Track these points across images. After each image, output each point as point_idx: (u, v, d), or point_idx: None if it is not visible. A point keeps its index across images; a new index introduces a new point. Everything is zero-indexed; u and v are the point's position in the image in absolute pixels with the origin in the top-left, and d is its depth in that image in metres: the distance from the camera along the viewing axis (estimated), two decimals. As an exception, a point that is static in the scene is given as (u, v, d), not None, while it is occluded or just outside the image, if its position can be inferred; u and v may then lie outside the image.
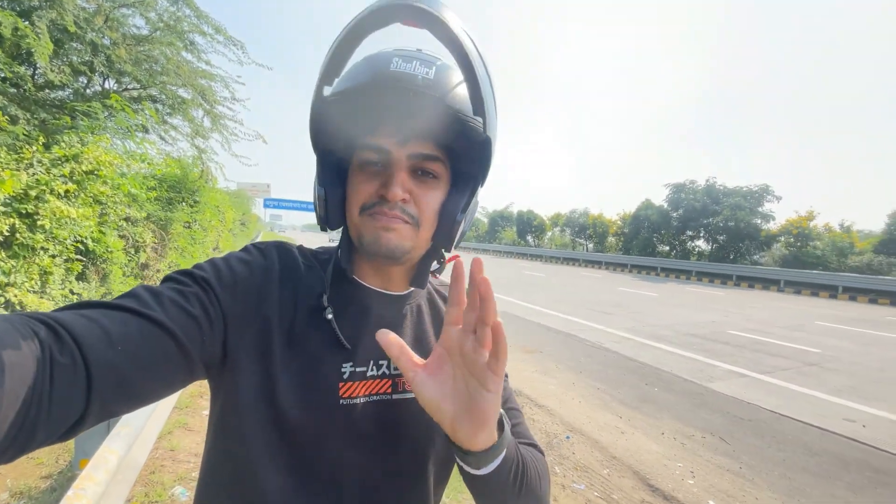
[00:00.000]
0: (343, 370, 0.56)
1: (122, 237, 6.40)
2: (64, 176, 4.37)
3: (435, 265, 0.65)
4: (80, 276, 5.37)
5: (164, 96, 8.25)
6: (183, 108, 8.38)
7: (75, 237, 4.69)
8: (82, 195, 4.72)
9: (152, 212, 7.76)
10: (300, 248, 0.64)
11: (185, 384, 0.49)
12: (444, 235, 0.59)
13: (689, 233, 23.34)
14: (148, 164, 6.09)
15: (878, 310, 12.66)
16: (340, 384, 0.55)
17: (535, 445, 0.64)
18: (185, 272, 0.53)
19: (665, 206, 24.30)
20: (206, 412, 3.34)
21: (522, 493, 0.54)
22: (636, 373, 5.16)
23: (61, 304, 4.82)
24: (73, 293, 5.06)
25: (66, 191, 4.36)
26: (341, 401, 0.55)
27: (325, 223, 0.59)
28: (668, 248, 24.44)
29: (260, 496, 0.52)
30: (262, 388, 0.52)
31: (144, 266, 8.16)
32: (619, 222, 28.36)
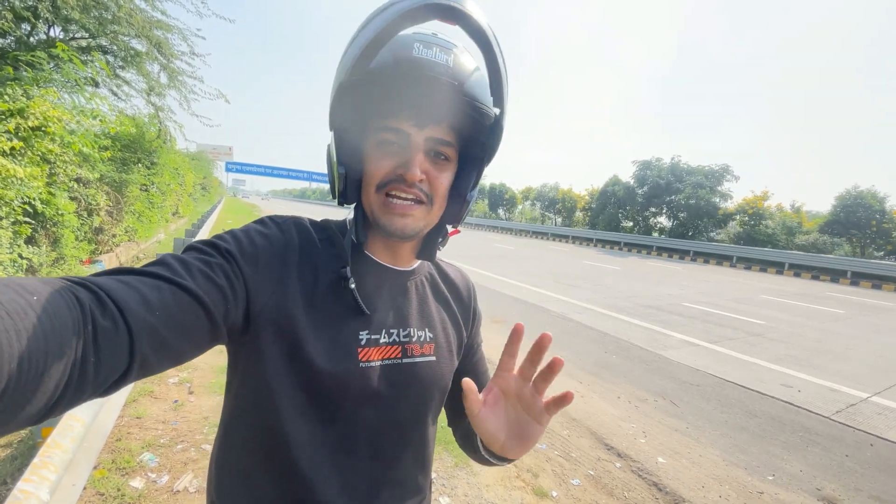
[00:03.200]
0: (360, 337, 0.61)
1: (73, 199, 6.04)
2: (8, 132, 4.05)
3: (439, 239, 0.69)
4: (30, 240, 5.07)
5: (115, 47, 7.67)
6: (136, 61, 7.82)
7: (23, 198, 4.40)
8: (29, 153, 4.40)
9: (106, 173, 7.32)
10: (311, 221, 0.67)
11: (210, 346, 0.52)
12: (454, 213, 0.65)
13: (653, 209, 24.10)
14: (100, 121, 5.67)
15: (820, 286, 13.63)
16: (359, 349, 0.60)
17: None
18: (208, 242, 0.55)
19: (632, 182, 24.90)
20: (173, 380, 3.28)
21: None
22: (597, 341, 5.41)
23: (10, 269, 4.52)
24: (21, 257, 4.78)
25: (12, 148, 4.05)
26: (360, 364, 0.60)
27: (343, 198, 0.62)
28: (632, 223, 25.20)
29: (285, 447, 0.57)
30: (290, 352, 0.56)
31: (99, 230, 7.76)
32: (587, 197, 28.90)
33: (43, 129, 4.51)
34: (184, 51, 8.41)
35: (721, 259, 18.51)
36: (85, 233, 7.10)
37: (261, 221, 0.62)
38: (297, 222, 0.64)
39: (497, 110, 0.60)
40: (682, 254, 19.85)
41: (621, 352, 5.07)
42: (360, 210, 0.64)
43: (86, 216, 6.93)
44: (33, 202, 4.72)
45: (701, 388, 4.15)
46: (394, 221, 0.59)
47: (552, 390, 0.54)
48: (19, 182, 4.25)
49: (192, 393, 3.08)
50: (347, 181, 0.60)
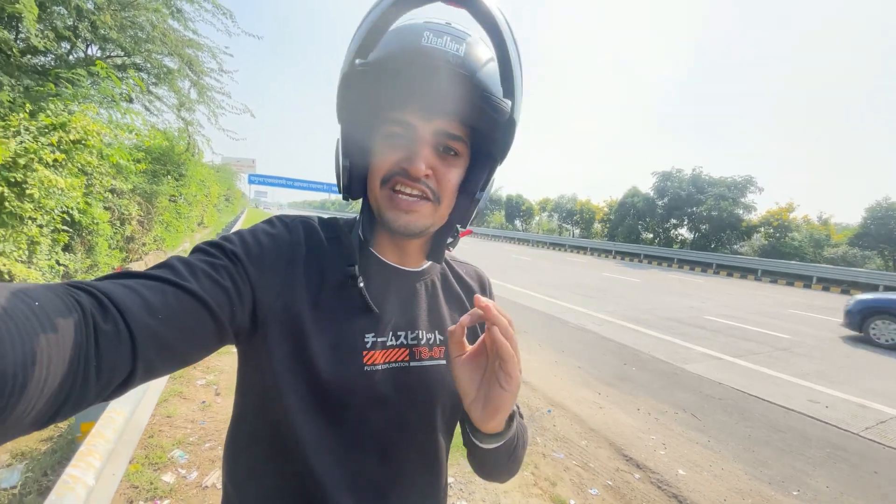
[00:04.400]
0: (366, 340, 0.60)
1: (107, 209, 6.33)
2: (52, 145, 4.30)
3: (449, 239, 0.67)
4: (66, 248, 5.33)
5: (148, 65, 8.04)
6: (169, 78, 8.18)
7: (62, 207, 4.65)
8: (69, 165, 4.66)
9: (138, 184, 7.65)
10: (320, 219, 0.66)
11: (217, 347, 0.52)
12: (462, 212, 0.62)
13: (674, 221, 23.73)
14: (136, 135, 5.96)
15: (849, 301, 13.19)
16: (364, 352, 0.59)
17: (519, 411, 0.70)
18: (214, 244, 0.54)
19: (651, 193, 24.59)
20: (201, 382, 3.41)
21: (509, 463, 0.65)
22: (615, 353, 5.36)
23: (48, 275, 4.76)
24: (59, 264, 5.03)
25: (55, 160, 4.30)
26: (365, 367, 0.59)
27: (348, 193, 0.60)
28: (652, 235, 24.84)
29: (294, 446, 0.57)
30: (295, 354, 0.55)
31: (130, 239, 8.08)
32: (605, 209, 28.64)
33: (83, 142, 4.77)
34: (213, 67, 8.78)
35: (745, 272, 18.06)
36: (117, 241, 7.41)
37: (268, 221, 0.62)
38: (304, 221, 0.64)
39: (509, 102, 0.56)
40: (705, 266, 19.44)
41: (640, 364, 5.02)
42: (366, 206, 0.63)
43: (118, 225, 7.24)
44: (71, 211, 4.98)
45: (723, 401, 4.08)
46: (399, 217, 0.57)
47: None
48: (60, 192, 4.49)
49: (219, 395, 3.19)
50: (352, 175, 0.59)
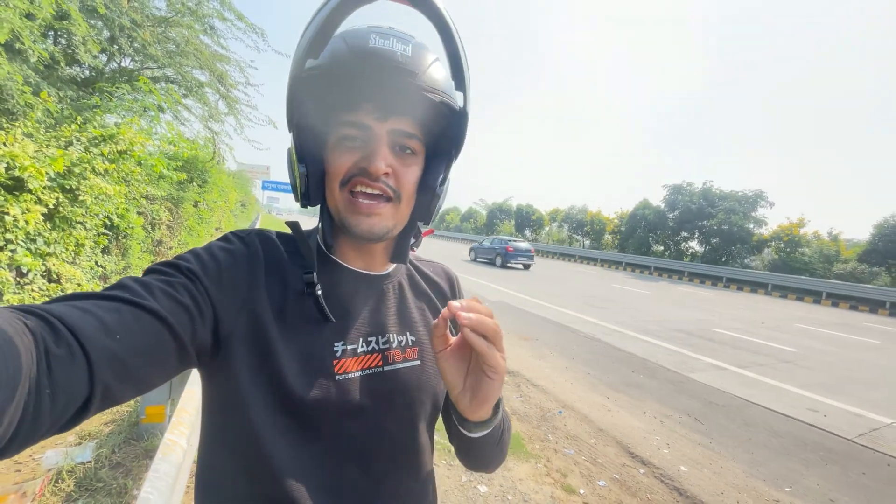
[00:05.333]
0: (336, 349, 0.59)
1: (140, 214, 6.72)
2: (102, 155, 4.68)
3: (412, 240, 0.68)
4: (104, 250, 5.71)
5: (179, 77, 8.48)
6: (199, 90, 8.62)
7: (105, 213, 5.02)
8: (114, 173, 5.04)
9: (169, 191, 8.06)
10: (278, 233, 0.65)
11: (178, 371, 0.50)
12: (424, 209, 0.62)
13: (684, 234, 23.81)
14: (175, 146, 6.36)
15: (857, 316, 13.19)
16: (334, 361, 0.58)
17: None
18: (168, 263, 0.53)
19: (662, 206, 24.72)
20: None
21: (496, 451, 0.67)
22: (624, 361, 5.58)
23: (88, 275, 5.14)
24: (98, 265, 5.40)
25: (105, 169, 4.67)
26: (337, 377, 0.58)
27: (307, 200, 0.59)
28: (662, 248, 24.92)
29: (268, 468, 0.54)
30: (262, 370, 0.54)
31: (159, 243, 8.48)
32: (616, 220, 28.77)
33: (129, 152, 5.16)
34: (240, 81, 9.23)
35: (756, 286, 18.09)
36: (147, 245, 7.81)
37: (224, 238, 0.60)
38: (260, 234, 0.62)
39: (460, 95, 0.59)
40: (715, 280, 19.49)
41: (648, 372, 5.23)
42: (325, 212, 0.62)
43: (150, 229, 7.64)
44: (111, 216, 5.35)
45: (726, 408, 4.29)
46: (360, 221, 0.57)
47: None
48: (107, 199, 4.87)
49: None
50: (309, 180, 0.57)
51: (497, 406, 0.60)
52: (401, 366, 0.64)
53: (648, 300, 11.76)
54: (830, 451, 3.55)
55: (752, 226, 20.89)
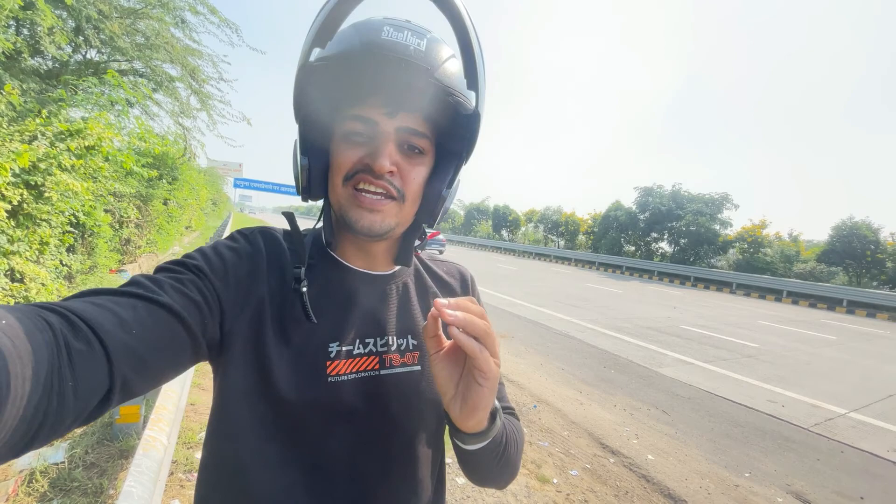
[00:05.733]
0: (330, 349, 0.57)
1: (107, 212, 6.51)
2: (69, 150, 4.53)
3: (416, 242, 0.65)
4: (70, 249, 5.52)
5: (149, 71, 8.24)
6: (170, 85, 8.40)
7: (71, 210, 4.85)
8: (81, 169, 4.88)
9: (138, 188, 7.83)
10: (284, 232, 0.64)
11: (191, 364, 0.51)
12: (429, 211, 0.60)
13: (654, 235, 24.52)
14: (144, 141, 6.19)
15: (816, 313, 13.90)
16: (328, 363, 0.56)
17: (513, 412, 0.71)
18: (176, 262, 0.54)
19: (633, 208, 25.39)
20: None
21: (500, 466, 0.60)
22: (596, 358, 5.76)
23: (53, 274, 4.98)
24: (63, 264, 5.22)
25: (72, 165, 4.53)
26: (329, 378, 0.56)
27: (307, 194, 0.58)
28: (634, 248, 25.59)
29: (255, 467, 0.55)
30: (256, 367, 0.54)
31: (127, 241, 8.24)
32: (589, 221, 29.37)
33: (97, 147, 5.01)
34: (213, 76, 9.03)
35: (721, 285, 18.81)
36: (115, 244, 7.57)
37: (230, 237, 0.60)
38: (264, 231, 0.62)
39: (473, 95, 0.56)
40: (683, 279, 20.17)
41: (619, 367, 5.41)
42: (327, 207, 0.61)
43: (117, 228, 7.41)
44: (77, 214, 5.18)
45: (692, 400, 4.49)
46: (362, 216, 0.55)
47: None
48: (73, 195, 4.72)
49: (233, 387, 3.46)
50: (312, 175, 0.57)
51: (494, 417, 0.55)
52: (399, 370, 0.61)
53: (620, 299, 12.09)
54: (788, 439, 3.77)
55: (718, 227, 21.69)
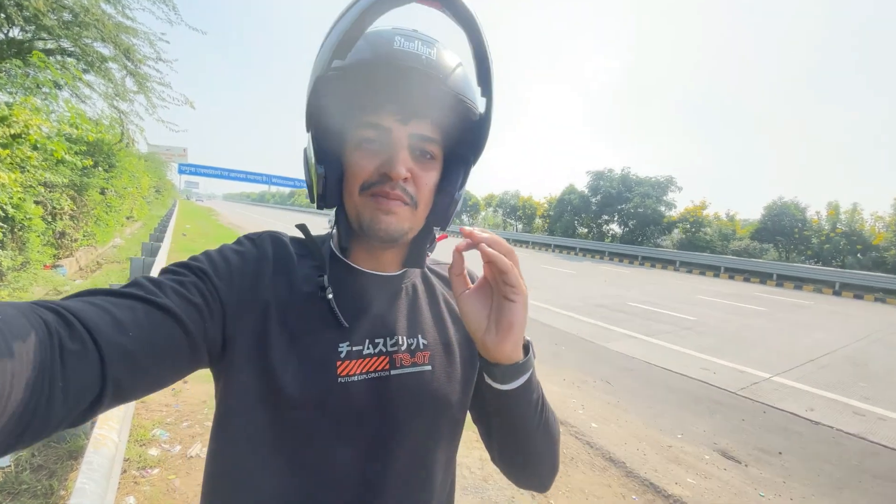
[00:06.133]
0: (340, 349, 0.57)
1: (38, 203, 6.09)
2: (-8, 139, 4.20)
3: (426, 244, 0.66)
4: (-1, 244, 5.14)
5: (78, 50, 7.65)
6: (103, 65, 7.83)
7: (-2, 203, 4.52)
8: (8, 159, 4.53)
9: (72, 177, 7.33)
10: (291, 237, 0.65)
11: (190, 370, 0.50)
12: (441, 214, 0.61)
13: (605, 217, 25.53)
14: (77, 128, 5.78)
15: (750, 287, 15.06)
16: (338, 363, 0.56)
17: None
18: (180, 264, 0.54)
19: (586, 191, 26.25)
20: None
21: (542, 422, 0.58)
22: (548, 335, 6.05)
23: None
24: (-11, 261, 4.88)
25: (-4, 155, 4.20)
26: (339, 379, 0.55)
27: (323, 202, 0.59)
28: (586, 230, 26.54)
29: (264, 471, 0.55)
30: (261, 370, 0.53)
31: (62, 235, 7.73)
32: (545, 205, 30.12)
33: (23, 135, 4.65)
34: (150, 56, 8.47)
35: (666, 263, 19.95)
36: (48, 238, 7.09)
37: (237, 241, 0.61)
38: (272, 236, 0.63)
39: (484, 101, 0.58)
40: (632, 258, 21.21)
41: (569, 344, 5.72)
42: (342, 214, 0.61)
43: (50, 220, 6.93)
44: (5, 207, 4.83)
45: (634, 371, 4.84)
46: (379, 219, 0.55)
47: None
48: (1, 188, 4.39)
49: (187, 382, 3.40)
50: (327, 182, 0.57)
51: (527, 350, 0.56)
52: (409, 370, 0.60)
53: (573, 279, 12.63)
54: (717, 402, 4.17)
55: (663, 209, 22.86)
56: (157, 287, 0.48)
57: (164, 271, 0.53)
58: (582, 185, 26.95)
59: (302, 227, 0.64)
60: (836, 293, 14.71)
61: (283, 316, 0.56)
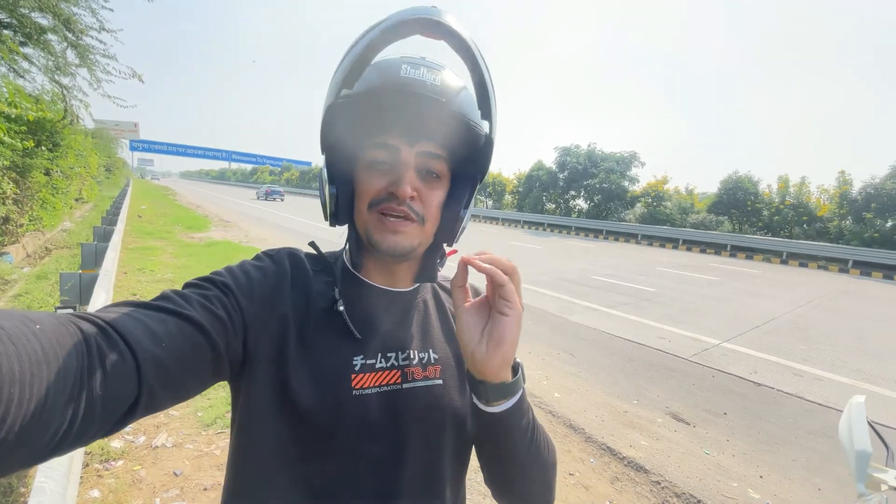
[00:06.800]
0: (354, 363, 0.59)
1: (-26, 187, 5.68)
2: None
3: (437, 260, 0.68)
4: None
5: (14, 21, 7.02)
6: (41, 37, 7.23)
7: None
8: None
9: (12, 158, 6.84)
10: (307, 253, 0.68)
11: (213, 382, 0.52)
12: (447, 231, 0.63)
13: (572, 192, 25.99)
14: (16, 106, 5.37)
15: (706, 258, 15.82)
16: (352, 376, 0.58)
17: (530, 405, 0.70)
18: (204, 278, 0.56)
19: (553, 167, 26.56)
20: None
21: (533, 448, 0.58)
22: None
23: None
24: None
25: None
26: (354, 392, 0.57)
27: (336, 220, 0.63)
28: (554, 206, 26.99)
29: (283, 484, 0.56)
30: (278, 383, 0.55)
31: (5, 220, 7.27)
32: (515, 181, 30.32)
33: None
34: (92, 26, 7.86)
35: (629, 237, 20.64)
36: (-11, 224, 6.65)
37: (256, 257, 0.63)
38: (290, 253, 0.65)
39: (486, 124, 0.61)
40: (597, 233, 21.82)
41: (536, 318, 5.91)
42: (353, 231, 0.64)
43: (-10, 205, 6.49)
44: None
45: (595, 342, 5.08)
46: (386, 238, 0.58)
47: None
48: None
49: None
50: (339, 202, 0.61)
51: (516, 370, 0.56)
52: (421, 384, 0.62)
53: (541, 254, 12.92)
54: (670, 369, 4.44)
55: (627, 184, 23.47)
56: (185, 300, 0.50)
57: (188, 285, 0.55)
58: (550, 160, 27.24)
59: (313, 244, 0.69)
60: (784, 262, 15.68)
61: (300, 330, 0.58)
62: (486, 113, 0.61)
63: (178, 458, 2.41)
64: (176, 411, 2.82)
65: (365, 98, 0.56)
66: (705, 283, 9.96)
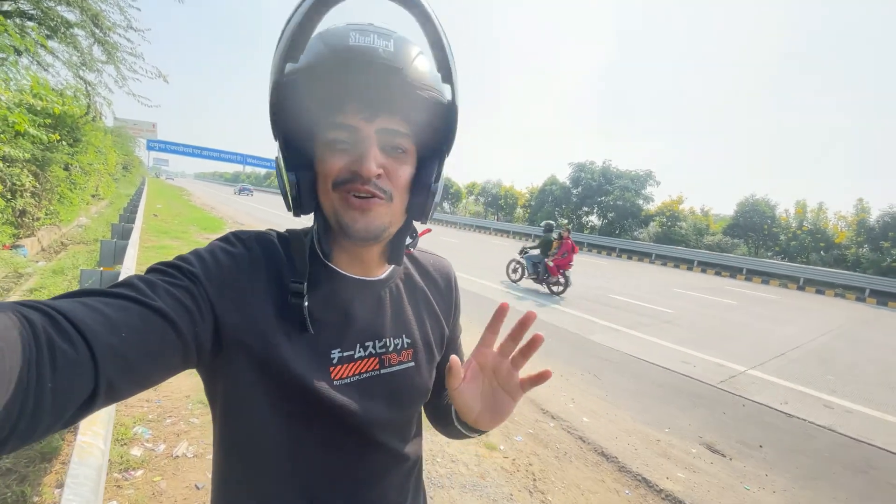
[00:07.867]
0: (332, 356, 0.59)
1: (-4, 179, 5.68)
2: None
3: (408, 240, 0.67)
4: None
5: (39, 13, 7.10)
6: (68, 31, 7.30)
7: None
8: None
9: (33, 151, 6.86)
10: (279, 234, 0.64)
11: (180, 370, 0.50)
12: (419, 207, 0.60)
13: (585, 208, 25.85)
14: (41, 99, 5.39)
15: (721, 280, 15.56)
16: (331, 368, 0.59)
17: None
18: (171, 264, 0.53)
19: (567, 182, 26.47)
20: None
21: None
22: (534, 327, 6.03)
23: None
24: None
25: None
26: (335, 382, 0.58)
27: (299, 208, 0.58)
28: (566, 221, 26.83)
29: (266, 480, 0.59)
30: (264, 371, 0.55)
31: (22, 213, 7.30)
32: (527, 195, 30.24)
33: (-19, 106, 4.29)
34: (119, 23, 7.93)
35: (642, 256, 20.39)
36: (7, 216, 6.65)
37: (225, 239, 0.60)
38: (259, 236, 0.61)
39: (447, 88, 0.57)
40: (610, 250, 21.60)
41: (555, 336, 5.76)
42: (320, 217, 0.60)
43: (10, 198, 6.50)
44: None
45: (619, 364, 4.90)
46: (356, 219, 0.55)
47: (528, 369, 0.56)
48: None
49: (167, 374, 3.25)
50: (301, 188, 0.56)
51: None
52: (396, 368, 0.65)
53: (554, 270, 12.73)
54: (699, 396, 4.26)
55: (641, 202, 23.29)
56: (150, 287, 0.47)
57: (152, 270, 0.52)
58: (563, 176, 27.16)
59: (291, 233, 0.66)
60: (801, 288, 15.36)
61: (278, 319, 0.56)
62: (447, 76, 0.57)
63: (200, 470, 2.29)
64: (196, 419, 2.71)
65: (313, 73, 0.52)
66: (724, 306, 9.74)
